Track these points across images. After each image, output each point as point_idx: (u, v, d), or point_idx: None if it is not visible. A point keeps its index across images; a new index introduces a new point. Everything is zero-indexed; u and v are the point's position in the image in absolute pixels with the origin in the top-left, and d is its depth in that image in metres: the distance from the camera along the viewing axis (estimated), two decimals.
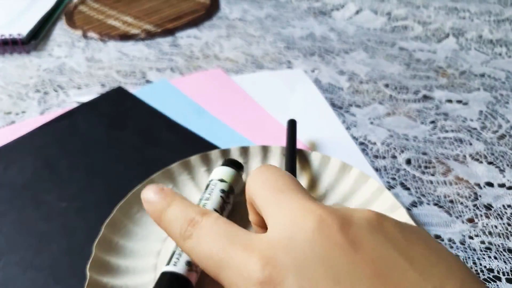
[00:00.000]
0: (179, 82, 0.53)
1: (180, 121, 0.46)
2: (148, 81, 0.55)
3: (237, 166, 0.36)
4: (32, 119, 0.48)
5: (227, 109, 0.49)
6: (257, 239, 0.18)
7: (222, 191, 0.33)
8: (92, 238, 0.32)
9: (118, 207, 0.34)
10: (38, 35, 0.66)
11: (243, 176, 0.38)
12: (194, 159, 0.38)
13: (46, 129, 0.45)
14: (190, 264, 0.27)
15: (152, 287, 0.27)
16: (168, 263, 0.28)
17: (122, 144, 0.43)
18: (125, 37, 0.66)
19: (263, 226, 0.25)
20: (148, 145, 0.43)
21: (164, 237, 0.33)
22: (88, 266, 0.30)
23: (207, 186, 0.34)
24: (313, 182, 0.38)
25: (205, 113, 0.48)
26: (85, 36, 0.67)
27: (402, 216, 0.33)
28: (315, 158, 0.39)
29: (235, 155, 0.39)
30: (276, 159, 0.39)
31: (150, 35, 0.67)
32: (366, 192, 0.36)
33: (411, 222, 0.33)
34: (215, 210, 0.32)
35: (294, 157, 0.37)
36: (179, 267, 0.27)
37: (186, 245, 0.21)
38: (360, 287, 0.14)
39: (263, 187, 0.21)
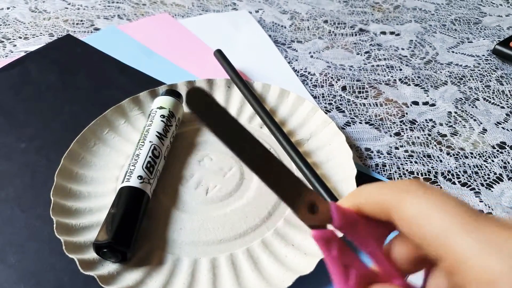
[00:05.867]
0: (127, 28, 0.55)
1: (131, 64, 0.48)
2: (96, 29, 0.55)
3: (175, 95, 0.38)
4: None
5: (175, 50, 0.51)
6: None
7: (162, 116, 0.36)
8: (54, 172, 0.34)
9: (75, 141, 0.36)
10: None
11: None
12: (143, 95, 0.41)
13: None
14: (141, 178, 0.31)
15: (112, 202, 0.30)
16: (122, 182, 0.31)
17: (76, 88, 0.45)
18: None
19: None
20: (101, 87, 0.45)
21: (121, 164, 0.36)
22: (51, 193, 0.32)
23: (149, 115, 0.37)
24: None
25: (154, 55, 0.50)
26: None
27: (332, 129, 0.37)
28: (257, 87, 0.42)
29: (182, 89, 0.42)
30: (221, 91, 0.42)
31: None
32: (303, 113, 0.39)
33: (341, 135, 0.37)
34: (158, 132, 0.35)
35: (244, 84, 0.40)
36: (132, 182, 0.30)
37: None
38: None
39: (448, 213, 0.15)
